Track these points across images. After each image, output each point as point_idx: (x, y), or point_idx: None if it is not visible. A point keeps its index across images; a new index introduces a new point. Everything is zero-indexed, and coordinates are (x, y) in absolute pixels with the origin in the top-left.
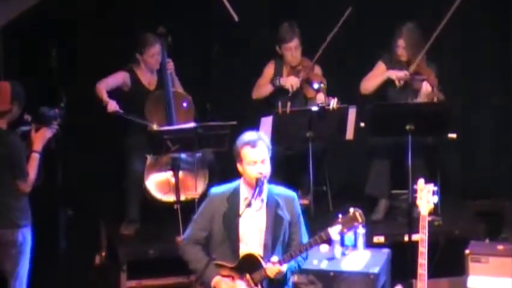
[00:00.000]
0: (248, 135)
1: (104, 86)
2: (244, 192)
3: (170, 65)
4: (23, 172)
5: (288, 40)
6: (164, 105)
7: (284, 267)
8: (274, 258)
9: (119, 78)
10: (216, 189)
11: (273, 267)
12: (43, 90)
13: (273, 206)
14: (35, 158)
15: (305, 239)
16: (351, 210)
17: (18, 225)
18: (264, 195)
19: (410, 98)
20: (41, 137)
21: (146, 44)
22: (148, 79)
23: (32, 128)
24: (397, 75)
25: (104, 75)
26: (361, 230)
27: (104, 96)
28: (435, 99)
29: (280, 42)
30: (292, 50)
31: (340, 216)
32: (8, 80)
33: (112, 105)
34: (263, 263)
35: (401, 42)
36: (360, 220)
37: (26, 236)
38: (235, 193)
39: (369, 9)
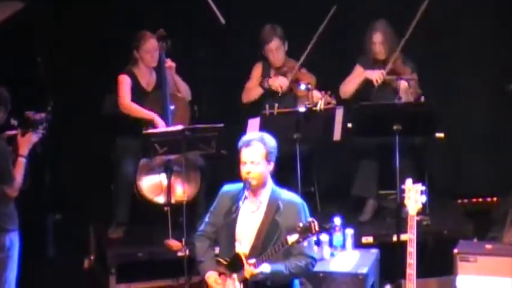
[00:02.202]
0: (247, 135)
1: (131, 103)
2: (246, 193)
3: (171, 65)
4: (9, 177)
5: (268, 41)
6: (161, 106)
7: (263, 269)
8: (252, 260)
9: (128, 85)
10: (227, 187)
11: (248, 269)
12: (30, 94)
13: (272, 209)
14: (21, 162)
15: (309, 248)
16: (309, 219)
17: (5, 229)
18: (264, 198)
19: (397, 97)
20: (27, 142)
21: (141, 38)
22: (147, 80)
23: (18, 133)
24: (374, 74)
25: (92, 77)
26: (349, 231)
27: (152, 114)
28: (414, 95)
29: (262, 43)
30: (273, 51)
31: (300, 225)
32: None
33: (163, 123)
34: (245, 263)
35: (376, 38)
36: (313, 231)
37: (13, 240)
38: (240, 193)
39: (351, 9)
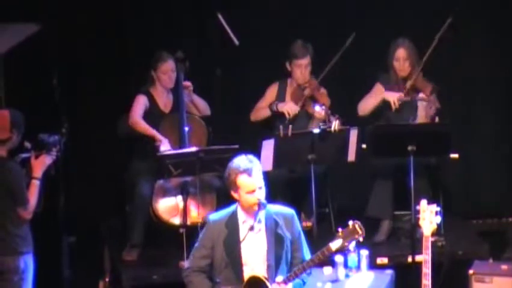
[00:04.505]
0: (242, 163)
1: (140, 119)
2: (242, 216)
3: (187, 84)
4: (23, 199)
5: (300, 57)
6: (178, 128)
7: (289, 286)
8: (279, 278)
9: (142, 104)
10: (214, 216)
11: (278, 287)
12: (44, 116)
13: (272, 226)
14: (35, 184)
15: (307, 255)
16: (350, 223)
17: (20, 252)
18: (262, 216)
19: (411, 118)
20: (40, 164)
21: (159, 59)
22: (164, 101)
23: (32, 155)
24: (393, 97)
25: (106, 98)
26: (364, 252)
27: (157, 134)
28: (433, 108)
29: (291, 57)
30: (302, 67)
31: (340, 230)
32: (9, 107)
33: (166, 145)
34: (268, 284)
35: (400, 53)
36: (360, 232)
37: (28, 263)
38: (234, 218)
39: (370, 31)
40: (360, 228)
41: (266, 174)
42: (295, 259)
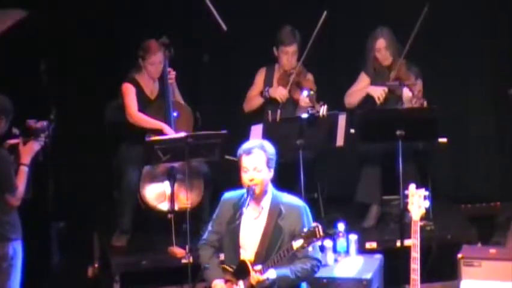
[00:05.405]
0: (247, 143)
1: (141, 115)
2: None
3: (172, 74)
4: (11, 186)
5: (287, 44)
6: (164, 114)
7: (269, 275)
8: (258, 267)
9: (134, 96)
10: (228, 195)
11: (254, 276)
12: (33, 102)
13: (275, 214)
14: (24, 171)
15: (315, 252)
16: (314, 225)
17: (8, 238)
18: (266, 203)
19: (399, 105)
20: (29, 150)
21: (149, 50)
22: (150, 88)
23: (20, 141)
24: (377, 92)
25: (95, 84)
26: (353, 237)
27: (165, 127)
28: (418, 103)
29: (278, 44)
30: (289, 54)
31: (305, 230)
32: None
33: (172, 132)
34: (250, 270)
35: (380, 44)
36: (318, 236)
37: (16, 249)
38: (241, 200)
39: (355, 13)
40: (319, 233)
41: None
42: (299, 252)
